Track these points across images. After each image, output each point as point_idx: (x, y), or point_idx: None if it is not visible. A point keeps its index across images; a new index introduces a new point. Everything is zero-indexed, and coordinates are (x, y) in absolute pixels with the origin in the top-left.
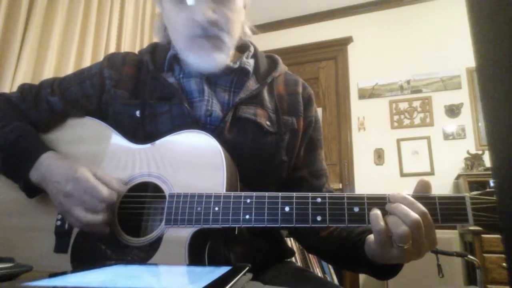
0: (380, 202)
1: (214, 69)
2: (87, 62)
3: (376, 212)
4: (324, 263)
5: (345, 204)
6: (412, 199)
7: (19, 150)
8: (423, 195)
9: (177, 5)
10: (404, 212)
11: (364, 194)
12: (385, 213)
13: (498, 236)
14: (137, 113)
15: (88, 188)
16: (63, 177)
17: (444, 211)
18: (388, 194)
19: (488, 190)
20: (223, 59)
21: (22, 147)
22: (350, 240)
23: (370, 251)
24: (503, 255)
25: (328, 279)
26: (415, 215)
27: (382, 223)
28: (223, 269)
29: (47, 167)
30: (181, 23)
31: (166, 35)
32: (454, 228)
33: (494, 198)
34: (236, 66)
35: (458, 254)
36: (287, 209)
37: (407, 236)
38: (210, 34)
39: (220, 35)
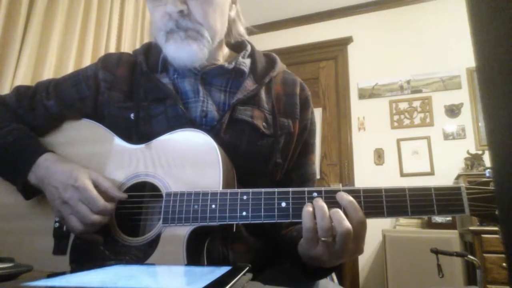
0: (376, 194)
1: (193, 60)
2: (87, 62)
3: (308, 209)
4: None
5: None
6: (357, 207)
7: (18, 151)
8: (419, 187)
9: (153, 2)
10: (339, 220)
11: (360, 188)
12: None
13: (498, 236)
14: (131, 115)
15: (85, 199)
16: (62, 184)
17: (440, 202)
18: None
19: (483, 180)
20: (200, 50)
21: (21, 148)
22: (297, 239)
23: (300, 247)
24: (503, 255)
25: (328, 279)
26: (347, 225)
27: (310, 222)
28: (223, 269)
29: (46, 170)
30: (157, 19)
31: None
32: (454, 228)
33: (490, 188)
34: (232, 66)
35: (458, 254)
36: (283, 204)
37: (329, 240)
38: (183, 27)
39: (194, 28)
